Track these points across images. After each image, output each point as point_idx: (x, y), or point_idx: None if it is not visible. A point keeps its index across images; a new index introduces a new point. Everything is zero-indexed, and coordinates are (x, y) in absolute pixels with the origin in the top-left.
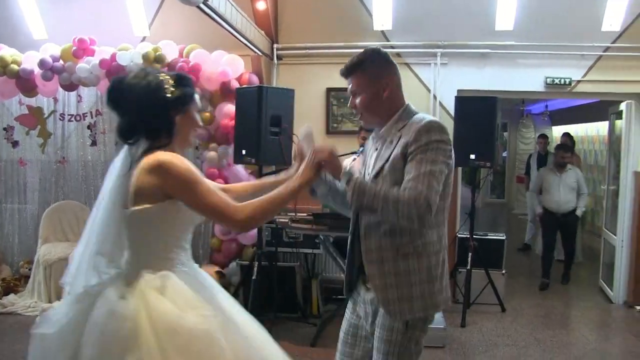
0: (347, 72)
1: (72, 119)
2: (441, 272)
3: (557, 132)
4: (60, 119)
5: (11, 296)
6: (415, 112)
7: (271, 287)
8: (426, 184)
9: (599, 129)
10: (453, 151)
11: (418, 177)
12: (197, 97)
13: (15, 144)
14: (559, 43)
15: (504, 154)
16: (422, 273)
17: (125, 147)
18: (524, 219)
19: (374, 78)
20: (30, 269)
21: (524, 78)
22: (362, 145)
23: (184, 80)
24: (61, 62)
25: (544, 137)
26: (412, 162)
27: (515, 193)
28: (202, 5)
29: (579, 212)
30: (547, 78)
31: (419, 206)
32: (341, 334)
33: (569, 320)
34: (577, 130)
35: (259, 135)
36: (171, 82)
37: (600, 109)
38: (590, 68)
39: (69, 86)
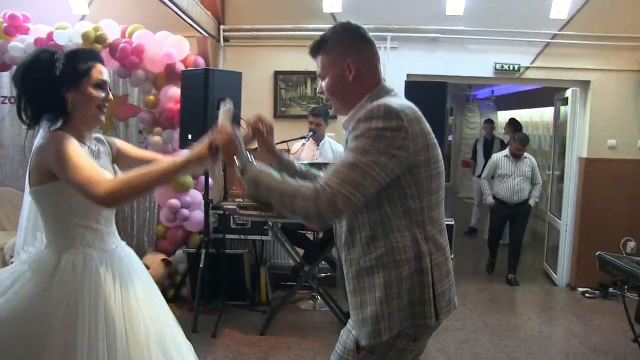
0: (312, 52)
1: (6, 101)
2: (418, 282)
3: (502, 117)
4: None
5: None
6: (383, 96)
7: (219, 274)
8: (341, 177)
9: (543, 114)
10: (413, 139)
11: (336, 170)
12: (95, 71)
13: None
14: (508, 29)
15: (450, 138)
16: (384, 289)
17: (41, 128)
18: (470, 202)
19: (337, 58)
20: None
21: (473, 63)
22: (311, 130)
23: (79, 55)
24: None
25: (490, 122)
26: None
27: (461, 177)
28: None
29: (532, 202)
30: (496, 64)
31: (319, 203)
32: None
33: (515, 303)
34: (521, 115)
35: (205, 120)
36: (63, 59)
37: (544, 95)
38: (538, 55)
39: (1, 66)
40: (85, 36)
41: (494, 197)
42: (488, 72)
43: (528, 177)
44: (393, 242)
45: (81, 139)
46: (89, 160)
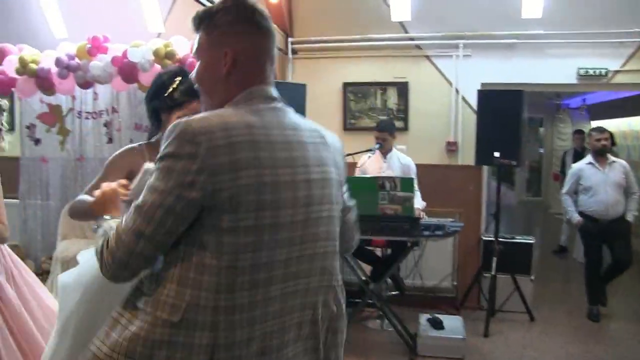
0: (194, 24)
1: (89, 116)
2: None
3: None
4: (77, 117)
5: None
6: (242, 103)
7: None
8: (127, 222)
9: (631, 123)
10: (211, 175)
11: (129, 210)
12: (188, 108)
13: (37, 141)
14: (593, 30)
15: (541, 151)
16: None
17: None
18: (561, 218)
19: (217, 41)
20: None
21: (554, 69)
22: (378, 142)
23: (184, 86)
24: (77, 60)
25: (580, 133)
26: None
27: (552, 191)
28: None
29: (630, 217)
30: (579, 69)
31: (105, 256)
32: None
33: (607, 333)
34: (618, 124)
35: None
36: (176, 84)
37: None
38: (631, 57)
39: (85, 84)
40: (156, 53)
41: (582, 214)
42: (571, 79)
43: (622, 185)
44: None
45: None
46: (99, 180)
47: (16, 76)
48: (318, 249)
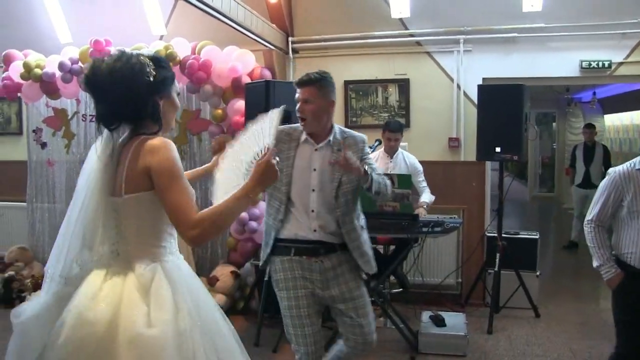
0: None
1: (93, 119)
2: None
3: (610, 120)
4: (82, 120)
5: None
6: None
7: None
8: None
9: (633, 117)
10: None
11: None
12: (176, 81)
13: (43, 145)
14: (595, 22)
15: (554, 146)
16: None
17: (106, 132)
18: (572, 213)
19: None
20: None
21: (556, 63)
22: (377, 140)
23: (162, 61)
24: (80, 64)
25: (589, 127)
26: None
27: (565, 186)
28: None
29: None
30: (582, 62)
31: None
32: None
33: (613, 329)
34: (632, 118)
35: None
36: (151, 64)
37: None
38: (635, 48)
39: None
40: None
41: (618, 262)
42: (573, 72)
43: None
44: None
45: None
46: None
47: (21, 81)
48: None
